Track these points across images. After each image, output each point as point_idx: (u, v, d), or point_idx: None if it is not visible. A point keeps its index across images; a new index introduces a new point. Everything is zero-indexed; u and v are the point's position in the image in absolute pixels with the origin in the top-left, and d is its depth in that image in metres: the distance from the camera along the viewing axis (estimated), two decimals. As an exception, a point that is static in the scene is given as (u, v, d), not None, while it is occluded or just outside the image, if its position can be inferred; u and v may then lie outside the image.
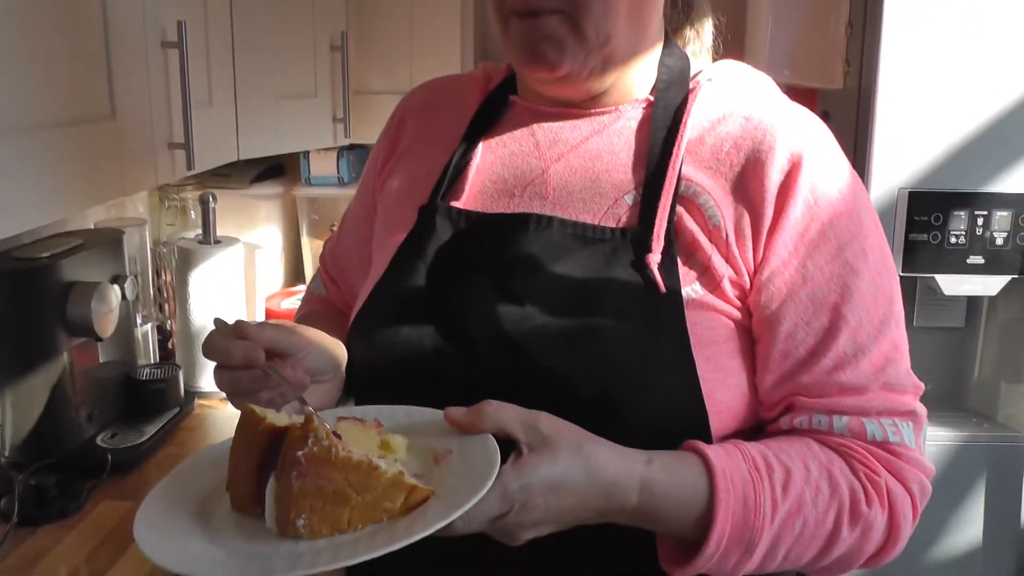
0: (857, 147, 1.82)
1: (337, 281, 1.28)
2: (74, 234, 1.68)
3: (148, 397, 1.78)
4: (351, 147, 2.47)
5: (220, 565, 0.72)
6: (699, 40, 1.08)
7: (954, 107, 1.75)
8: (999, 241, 1.77)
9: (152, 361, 1.97)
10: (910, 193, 1.77)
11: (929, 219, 1.77)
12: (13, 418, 1.56)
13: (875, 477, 0.90)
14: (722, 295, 0.92)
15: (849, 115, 1.86)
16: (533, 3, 0.91)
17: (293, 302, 2.37)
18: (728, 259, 0.92)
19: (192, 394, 1.93)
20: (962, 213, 1.77)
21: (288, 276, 2.61)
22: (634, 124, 1.00)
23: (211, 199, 1.97)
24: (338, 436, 0.75)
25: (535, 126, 1.03)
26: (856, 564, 0.93)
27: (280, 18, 1.94)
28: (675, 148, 0.94)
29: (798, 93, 2.25)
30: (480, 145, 1.05)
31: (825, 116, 2.03)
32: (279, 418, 0.79)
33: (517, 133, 1.04)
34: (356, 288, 1.14)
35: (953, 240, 1.78)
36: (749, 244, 0.91)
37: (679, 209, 0.93)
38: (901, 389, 0.93)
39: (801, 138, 0.93)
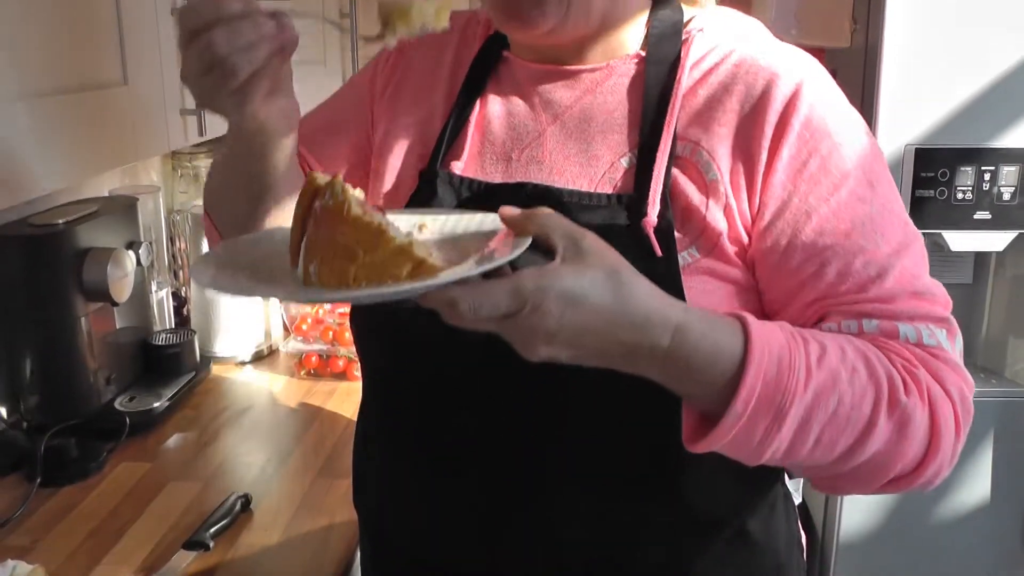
0: (864, 104, 1.82)
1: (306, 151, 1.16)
2: (89, 201, 1.70)
3: (164, 361, 1.81)
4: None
5: (238, 282, 0.76)
6: None
7: (960, 64, 1.75)
8: (1006, 196, 1.78)
9: (168, 327, 2.00)
10: (917, 149, 1.78)
11: (936, 175, 1.78)
12: (33, 382, 1.59)
13: (913, 370, 0.84)
14: (720, 255, 0.90)
15: (856, 73, 1.86)
16: None
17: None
18: (726, 213, 0.90)
19: (207, 359, 1.96)
20: (969, 169, 1.77)
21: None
22: (627, 81, 0.97)
23: (223, 166, 1.99)
24: (379, 208, 0.77)
25: (528, 86, 1.02)
26: (891, 472, 0.84)
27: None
28: (670, 107, 0.92)
29: (807, 51, 2.26)
30: (477, 102, 1.03)
31: (833, 74, 2.04)
32: (326, 178, 0.77)
33: (512, 92, 1.03)
34: (324, 156, 1.13)
35: (960, 196, 1.78)
36: (744, 193, 0.90)
37: (675, 171, 0.91)
38: (931, 298, 0.88)
39: (793, 76, 0.90)
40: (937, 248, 1.88)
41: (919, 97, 1.76)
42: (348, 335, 1.95)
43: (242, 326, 2.02)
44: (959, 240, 1.80)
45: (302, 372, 1.96)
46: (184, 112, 1.51)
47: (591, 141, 0.96)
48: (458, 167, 1.00)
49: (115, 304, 1.62)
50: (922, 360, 0.85)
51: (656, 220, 0.88)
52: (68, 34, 1.21)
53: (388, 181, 1.08)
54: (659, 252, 0.88)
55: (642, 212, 0.89)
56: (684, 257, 0.89)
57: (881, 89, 1.76)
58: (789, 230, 0.88)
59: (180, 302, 2.12)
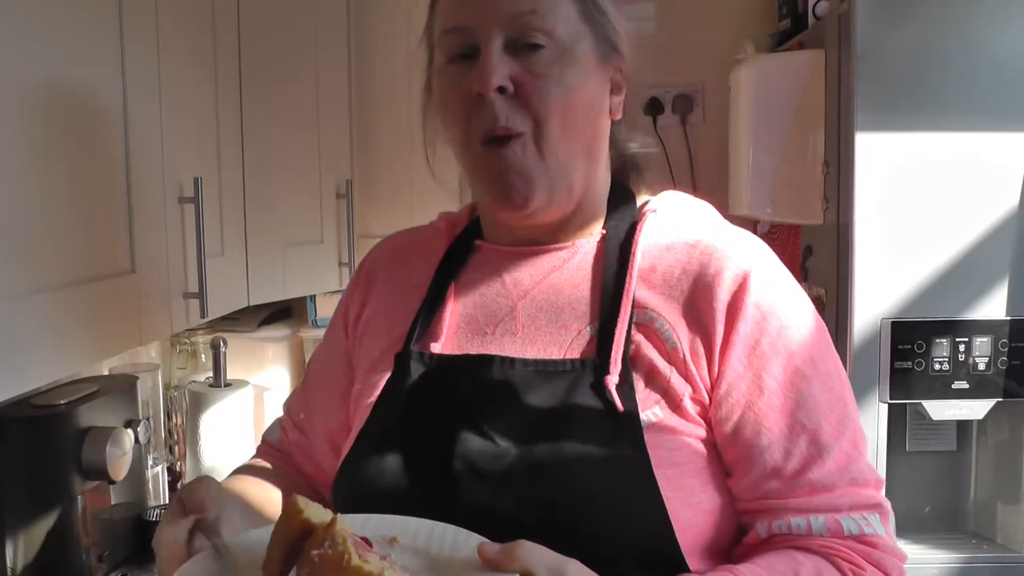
0: (840, 279, 1.90)
1: (301, 427, 1.27)
2: (89, 380, 1.73)
3: (158, 538, 1.81)
4: (356, 289, 2.55)
5: None
6: (640, 177, 1.16)
7: (929, 239, 1.84)
8: (981, 366, 1.83)
9: (162, 502, 2.00)
10: (893, 323, 1.84)
11: (912, 347, 1.84)
12: (24, 561, 1.58)
13: (861, 572, 0.94)
14: (684, 414, 0.96)
15: (831, 249, 1.94)
16: (502, 125, 0.98)
17: (300, 441, 2.42)
18: (687, 378, 0.97)
19: (201, 535, 1.96)
20: (944, 340, 1.83)
21: (295, 415, 2.65)
22: (590, 258, 1.07)
23: (222, 344, 2.04)
24: (369, 544, 0.78)
25: (501, 266, 1.10)
26: None
27: (289, 169, 2.04)
28: (627, 278, 1.01)
29: (782, 228, 2.35)
30: (451, 288, 1.11)
31: (808, 251, 2.13)
32: (317, 512, 0.80)
33: (485, 274, 1.11)
34: (321, 432, 1.21)
35: (937, 367, 1.84)
36: (704, 362, 0.97)
37: (638, 336, 0.99)
38: (864, 483, 0.97)
39: (744, 260, 1.00)
40: (919, 417, 1.92)
41: (892, 271, 1.84)
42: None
43: (236, 501, 2.03)
44: (939, 409, 1.85)
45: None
46: (187, 296, 1.56)
47: (560, 312, 1.04)
48: (436, 347, 1.07)
49: (112, 482, 1.64)
50: (865, 555, 0.95)
51: (617, 379, 0.96)
52: (81, 227, 1.27)
53: (364, 366, 1.14)
54: (621, 408, 0.95)
55: (604, 372, 0.96)
56: (649, 415, 0.96)
57: (855, 264, 1.84)
58: (742, 403, 0.97)
59: (175, 477, 2.13)
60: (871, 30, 1.82)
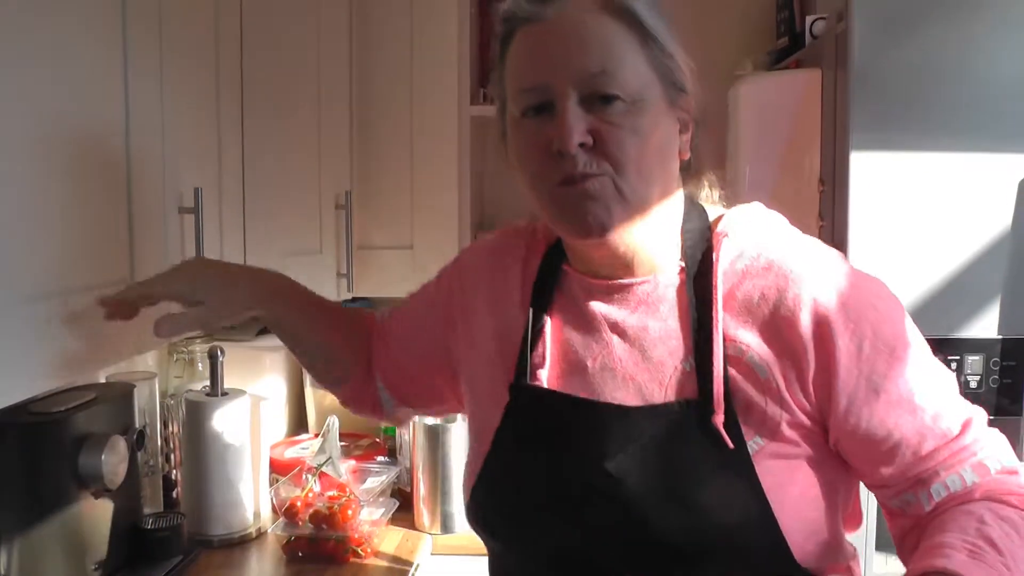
0: (834, 296, 1.91)
1: (384, 346, 1.41)
2: (86, 388, 1.74)
3: (153, 545, 1.83)
4: (354, 300, 2.56)
5: None
6: (710, 190, 1.20)
7: (922, 258, 1.85)
8: (973, 384, 1.84)
9: (158, 510, 2.01)
10: (886, 339, 1.85)
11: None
12: (19, 568, 1.59)
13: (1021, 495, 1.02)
14: (783, 439, 1.03)
15: (825, 266, 1.95)
16: (582, 169, 1.02)
17: (297, 451, 2.42)
18: (781, 404, 1.03)
19: (196, 542, 1.97)
20: (936, 358, 1.84)
21: (292, 426, 2.66)
22: (672, 291, 1.10)
23: (220, 353, 2.05)
24: None
25: (589, 300, 1.14)
26: None
27: (289, 180, 2.05)
28: (713, 311, 1.05)
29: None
30: (546, 318, 1.16)
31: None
32: None
33: (576, 306, 1.15)
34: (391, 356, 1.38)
35: (930, 384, 1.85)
36: (797, 387, 1.03)
37: (732, 371, 1.04)
38: (971, 415, 1.08)
39: (818, 279, 1.04)
40: (912, 433, 1.93)
41: (886, 289, 1.85)
42: (338, 517, 1.97)
43: (232, 509, 2.04)
44: (932, 426, 1.86)
45: (291, 555, 1.96)
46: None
47: (652, 349, 1.09)
48: (543, 377, 1.13)
49: (108, 490, 1.65)
50: (1015, 484, 1.03)
51: (723, 417, 1.02)
52: (82, 234, 1.28)
53: (480, 394, 1.22)
54: (731, 445, 1.01)
55: (710, 412, 1.02)
56: (751, 446, 1.02)
57: (849, 282, 1.85)
58: (866, 412, 1.02)
59: (170, 485, 2.14)
60: (867, 50, 1.84)
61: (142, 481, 1.92)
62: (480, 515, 1.17)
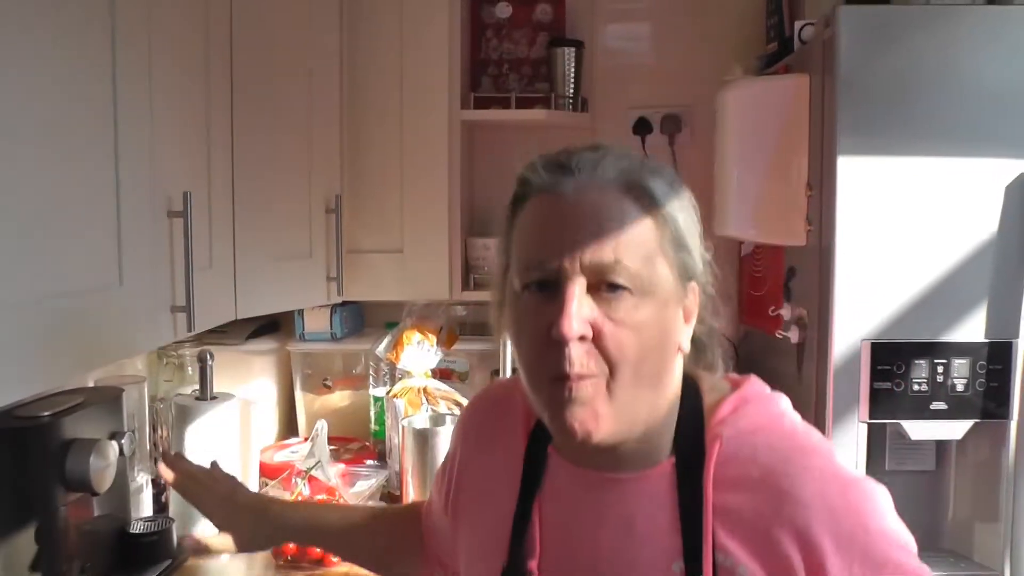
0: (821, 301, 1.91)
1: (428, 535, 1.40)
2: (75, 392, 1.74)
3: (141, 549, 1.83)
4: (343, 304, 2.57)
5: None
6: (711, 372, 1.13)
7: (909, 262, 1.86)
8: (959, 388, 1.85)
9: (146, 514, 2.01)
10: (873, 344, 1.86)
11: (892, 368, 1.86)
12: (6, 572, 1.59)
13: None
14: None
15: (813, 271, 1.96)
16: (576, 373, 0.97)
17: (286, 455, 2.42)
18: None
19: (185, 547, 1.96)
20: (922, 362, 1.85)
21: (282, 429, 2.67)
22: (662, 487, 1.05)
23: (209, 357, 2.05)
24: None
25: (576, 492, 1.10)
26: None
27: (279, 184, 2.06)
28: (705, 520, 1.01)
29: (766, 249, 2.37)
30: (535, 502, 1.13)
31: (791, 272, 2.15)
32: None
33: (563, 493, 1.12)
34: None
35: (916, 388, 1.86)
36: None
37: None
38: None
39: (811, 501, 0.99)
40: (899, 437, 1.93)
41: (873, 293, 1.86)
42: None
43: (220, 513, 2.04)
44: (918, 430, 1.87)
45: (280, 560, 1.96)
46: (174, 309, 1.57)
47: (640, 547, 1.05)
48: (534, 568, 1.10)
49: (96, 494, 1.65)
50: None
51: None
52: (70, 238, 1.28)
53: (468, 569, 1.22)
54: None
55: None
56: None
57: (837, 286, 1.86)
58: None
59: (159, 489, 2.13)
60: (854, 56, 1.84)
61: (131, 486, 1.92)
62: None
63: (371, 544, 1.43)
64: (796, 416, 1.10)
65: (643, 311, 0.99)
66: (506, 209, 1.08)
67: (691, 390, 1.09)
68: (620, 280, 0.98)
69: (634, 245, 0.99)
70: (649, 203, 1.01)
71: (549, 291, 0.99)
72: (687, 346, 1.07)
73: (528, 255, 1.02)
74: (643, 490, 1.06)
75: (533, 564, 1.10)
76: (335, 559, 1.94)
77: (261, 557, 2.00)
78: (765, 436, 1.06)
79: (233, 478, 1.49)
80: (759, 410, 1.09)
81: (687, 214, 1.05)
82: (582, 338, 0.97)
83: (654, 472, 1.06)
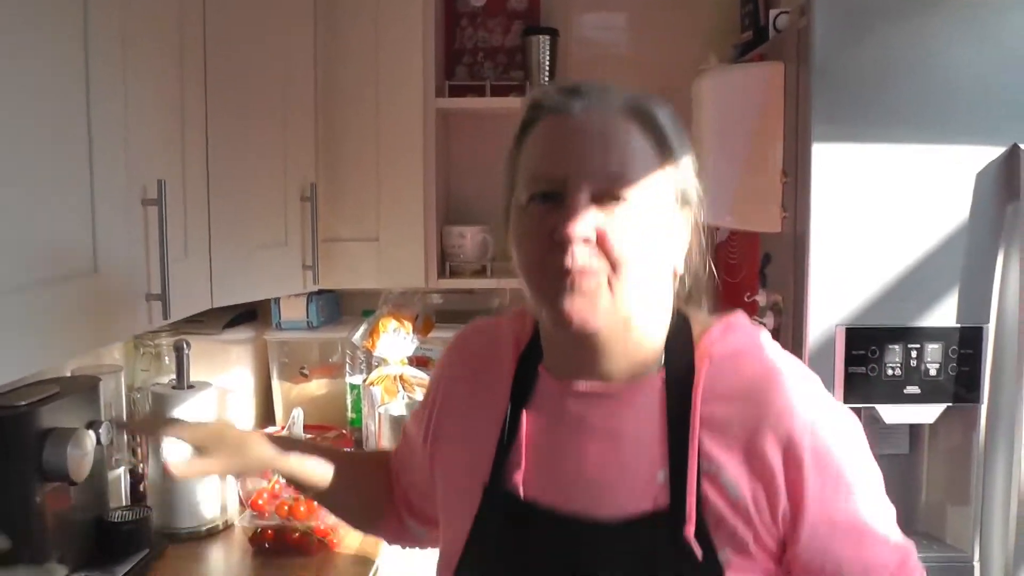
0: (796, 287, 1.93)
1: (396, 477, 1.43)
2: (51, 381, 1.73)
3: (119, 539, 1.82)
4: (320, 292, 2.57)
5: None
6: (698, 303, 1.20)
7: (883, 249, 1.87)
8: (933, 372, 1.88)
9: (123, 503, 2.01)
10: (847, 329, 1.88)
11: (866, 353, 1.87)
12: (-16, 562, 1.59)
13: None
14: (748, 555, 1.05)
15: (788, 257, 1.98)
16: (580, 263, 1.02)
17: (263, 443, 2.42)
18: (748, 524, 1.05)
19: (163, 535, 1.96)
20: (896, 347, 1.87)
21: (259, 418, 2.66)
22: (653, 398, 1.10)
23: (185, 346, 2.05)
24: None
25: (566, 405, 1.14)
26: None
27: (254, 172, 2.05)
28: (691, 430, 1.06)
29: (741, 236, 2.39)
30: (522, 418, 1.16)
31: (767, 259, 2.16)
32: None
33: (552, 408, 1.15)
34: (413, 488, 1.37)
35: (890, 372, 1.88)
36: (767, 511, 1.05)
37: (705, 486, 1.05)
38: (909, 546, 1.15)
39: (794, 411, 1.06)
40: (873, 421, 1.95)
41: (847, 279, 1.88)
42: (303, 509, 1.97)
43: (198, 502, 2.04)
44: (892, 413, 1.89)
45: (258, 547, 1.96)
46: (149, 297, 1.57)
47: (626, 455, 1.09)
48: (519, 481, 1.13)
49: (73, 484, 1.64)
50: None
51: (695, 530, 1.03)
52: (44, 226, 1.27)
53: (452, 490, 1.23)
54: (700, 558, 1.03)
55: (681, 523, 1.04)
56: (721, 558, 1.04)
57: (811, 272, 1.87)
58: (821, 546, 1.06)
59: (137, 478, 2.13)
60: (829, 44, 1.86)
61: (108, 475, 1.91)
62: None
63: (345, 500, 1.42)
64: (779, 347, 1.16)
65: (643, 223, 1.05)
66: (513, 131, 1.13)
67: (681, 319, 1.16)
68: (624, 191, 1.04)
69: (637, 162, 1.06)
70: (653, 128, 1.08)
71: (554, 201, 1.04)
72: (681, 267, 1.14)
73: (536, 168, 1.07)
74: (632, 401, 1.11)
75: (518, 477, 1.13)
76: (312, 544, 1.95)
77: (238, 544, 2.00)
78: (752, 356, 1.12)
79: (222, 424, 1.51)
80: (746, 335, 1.15)
81: (686, 146, 1.12)
82: (586, 241, 1.02)
83: (643, 384, 1.11)
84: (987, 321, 1.89)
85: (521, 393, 1.17)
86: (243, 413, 2.53)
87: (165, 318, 1.60)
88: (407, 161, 2.40)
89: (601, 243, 1.03)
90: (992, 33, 1.87)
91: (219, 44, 1.86)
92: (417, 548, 1.46)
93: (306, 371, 2.67)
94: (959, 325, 1.89)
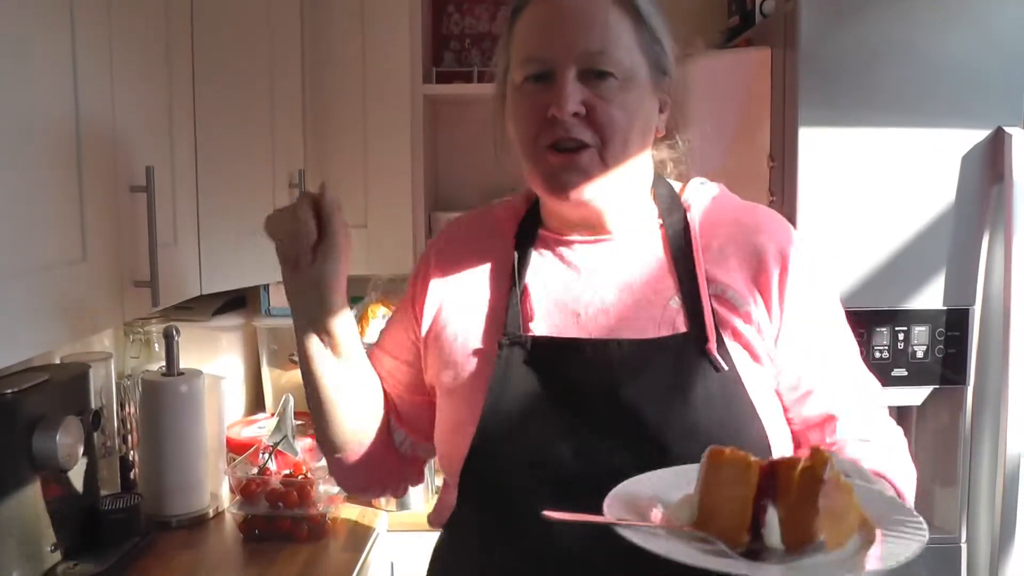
0: (783, 270, 1.94)
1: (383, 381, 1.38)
2: (41, 369, 1.73)
3: (110, 526, 1.82)
4: (309, 279, 2.56)
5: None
6: (673, 166, 1.33)
7: (869, 232, 1.89)
8: (920, 354, 1.89)
9: (114, 491, 2.01)
10: (835, 312, 1.89)
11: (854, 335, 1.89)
12: (-25, 550, 1.59)
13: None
14: (759, 360, 1.17)
15: (775, 241, 1.99)
16: (572, 137, 1.14)
17: (254, 430, 2.42)
18: (759, 330, 1.17)
19: (154, 523, 1.97)
20: (883, 329, 1.89)
21: (249, 405, 2.66)
22: (654, 243, 1.23)
23: (175, 333, 2.05)
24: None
25: (570, 257, 1.24)
26: None
27: (242, 158, 2.04)
28: (696, 260, 1.19)
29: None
30: (527, 279, 1.24)
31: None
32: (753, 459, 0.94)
33: (558, 262, 1.25)
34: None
35: (877, 355, 1.89)
36: (767, 321, 1.17)
37: (716, 306, 1.17)
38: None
39: (781, 234, 1.22)
40: (860, 403, 1.97)
41: (834, 263, 1.89)
42: (295, 495, 1.98)
43: (189, 489, 2.04)
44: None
45: (249, 534, 1.97)
46: (138, 284, 1.56)
47: (640, 290, 1.20)
48: (535, 329, 1.20)
49: (64, 471, 1.64)
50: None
51: (716, 345, 1.14)
52: (32, 214, 1.27)
53: (461, 360, 1.24)
54: (725, 367, 1.14)
55: (704, 341, 1.14)
56: (740, 368, 1.15)
57: (799, 256, 1.89)
58: (800, 358, 1.18)
59: (127, 466, 2.13)
60: (815, 29, 1.87)
61: (99, 462, 1.91)
62: (483, 473, 1.17)
63: (353, 397, 1.32)
64: None
65: (627, 94, 1.16)
66: (507, 14, 1.23)
67: (660, 177, 1.29)
68: (606, 67, 1.14)
69: (616, 38, 1.16)
70: (630, 7, 1.17)
71: (544, 82, 1.16)
72: (663, 128, 1.26)
73: (527, 51, 1.18)
74: (635, 245, 1.23)
75: (535, 324, 1.20)
76: (303, 530, 1.96)
77: (229, 531, 2.01)
78: (729, 198, 1.29)
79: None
80: (716, 186, 1.30)
81: (661, 20, 1.22)
82: (576, 115, 1.13)
83: (646, 232, 1.24)
84: (973, 303, 1.91)
85: (524, 256, 1.25)
86: (233, 400, 2.53)
87: (154, 305, 1.59)
88: (395, 147, 2.39)
89: (591, 116, 1.14)
90: (977, 17, 1.88)
91: (206, 32, 1.85)
92: (393, 487, 1.45)
93: (295, 358, 2.66)
94: (945, 307, 1.91)
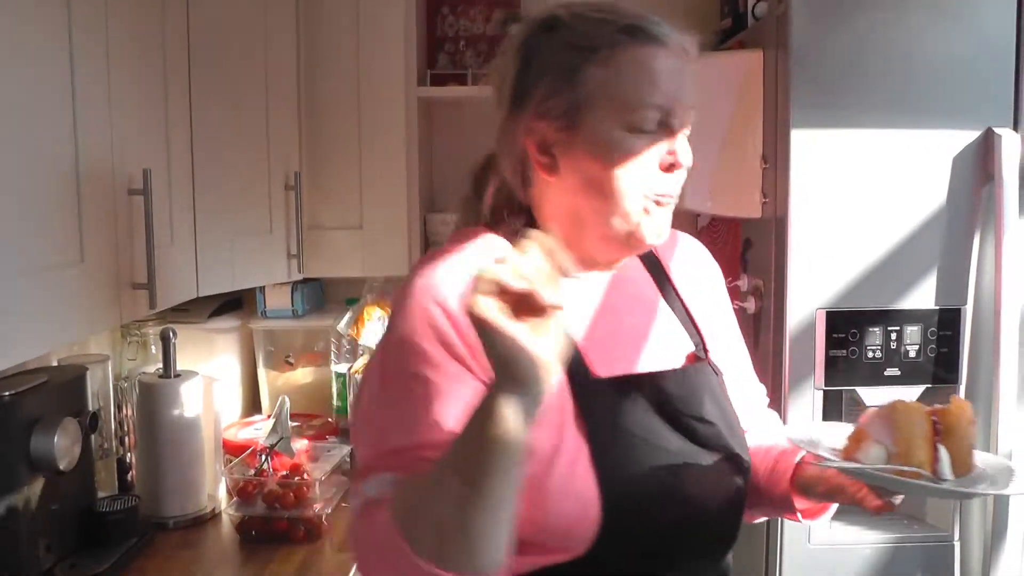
0: (777, 271, 1.95)
1: None
2: (38, 371, 1.74)
3: (107, 528, 1.82)
4: (304, 281, 2.57)
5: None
6: None
7: (862, 233, 1.90)
8: (912, 354, 1.91)
9: (112, 492, 2.01)
10: (827, 312, 1.91)
11: (847, 336, 1.90)
12: (-28, 552, 1.59)
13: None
14: (726, 368, 1.34)
15: (768, 242, 2.00)
16: (674, 192, 1.18)
17: (250, 432, 2.43)
18: (724, 344, 1.37)
19: (151, 524, 1.97)
20: (876, 329, 1.90)
21: (245, 406, 2.67)
22: (638, 274, 1.33)
23: (172, 335, 2.05)
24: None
25: (588, 291, 1.26)
26: None
27: (238, 160, 2.05)
28: (674, 289, 1.34)
29: (722, 222, 2.41)
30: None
31: (748, 244, 2.18)
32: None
33: (581, 299, 1.24)
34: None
35: (870, 355, 1.91)
36: (723, 329, 1.39)
37: (700, 326, 1.33)
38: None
39: (711, 259, 1.44)
40: (853, 403, 1.98)
41: (827, 263, 1.90)
42: (291, 496, 1.98)
43: (186, 491, 2.05)
44: (872, 396, 1.92)
45: (246, 535, 1.97)
46: (136, 286, 1.57)
47: (646, 318, 1.29)
48: (592, 365, 1.18)
49: (61, 473, 1.65)
50: None
51: (709, 357, 1.31)
52: (31, 216, 1.28)
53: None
54: (719, 374, 1.31)
55: (705, 351, 1.32)
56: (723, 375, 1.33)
57: (792, 257, 1.90)
58: (732, 360, 1.39)
59: (125, 468, 2.13)
60: (806, 31, 1.88)
61: (96, 464, 1.92)
62: (627, 524, 1.12)
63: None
64: None
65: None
66: (573, 50, 1.17)
67: None
68: (690, 124, 1.19)
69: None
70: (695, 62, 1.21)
71: (660, 129, 1.15)
72: None
73: (641, 96, 1.14)
74: (630, 277, 1.30)
75: (592, 365, 1.19)
76: (300, 532, 1.96)
77: (226, 532, 2.01)
78: (682, 235, 1.43)
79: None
80: None
81: None
82: None
83: (632, 265, 1.31)
84: (964, 303, 1.92)
85: None
86: (229, 402, 2.54)
87: (152, 307, 1.60)
88: (390, 149, 2.40)
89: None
90: (967, 19, 1.89)
91: (202, 35, 1.86)
92: None
93: (291, 359, 2.67)
94: (937, 307, 1.92)
